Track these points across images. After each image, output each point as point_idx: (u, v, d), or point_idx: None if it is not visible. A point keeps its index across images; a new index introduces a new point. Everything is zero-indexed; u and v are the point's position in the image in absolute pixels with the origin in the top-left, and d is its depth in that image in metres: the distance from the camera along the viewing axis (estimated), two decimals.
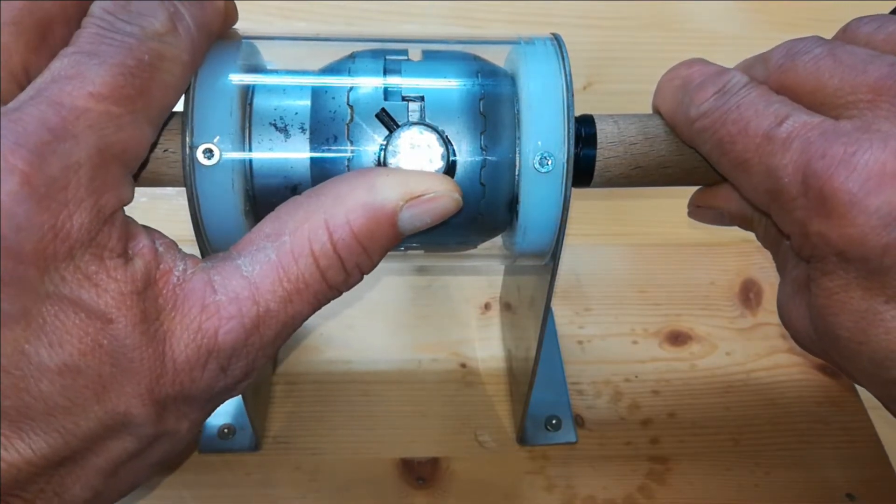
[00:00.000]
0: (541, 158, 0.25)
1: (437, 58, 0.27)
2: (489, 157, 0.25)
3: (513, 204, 0.26)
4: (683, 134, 0.26)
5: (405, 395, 0.42)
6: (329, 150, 0.25)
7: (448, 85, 0.26)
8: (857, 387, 0.43)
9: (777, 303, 0.27)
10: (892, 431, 0.41)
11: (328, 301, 0.23)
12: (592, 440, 0.40)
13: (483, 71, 0.27)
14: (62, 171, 0.18)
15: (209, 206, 0.25)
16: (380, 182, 0.22)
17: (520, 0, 0.58)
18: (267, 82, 0.26)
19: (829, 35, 0.25)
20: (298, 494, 0.37)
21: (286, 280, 0.22)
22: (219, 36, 0.25)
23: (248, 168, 0.25)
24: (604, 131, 0.27)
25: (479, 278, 0.47)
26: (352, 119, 0.25)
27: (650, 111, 0.28)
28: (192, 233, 0.26)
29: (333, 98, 0.26)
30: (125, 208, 0.21)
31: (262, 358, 0.22)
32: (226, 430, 0.39)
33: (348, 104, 0.25)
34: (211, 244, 0.27)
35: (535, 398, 0.39)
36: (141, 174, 0.26)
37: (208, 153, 0.24)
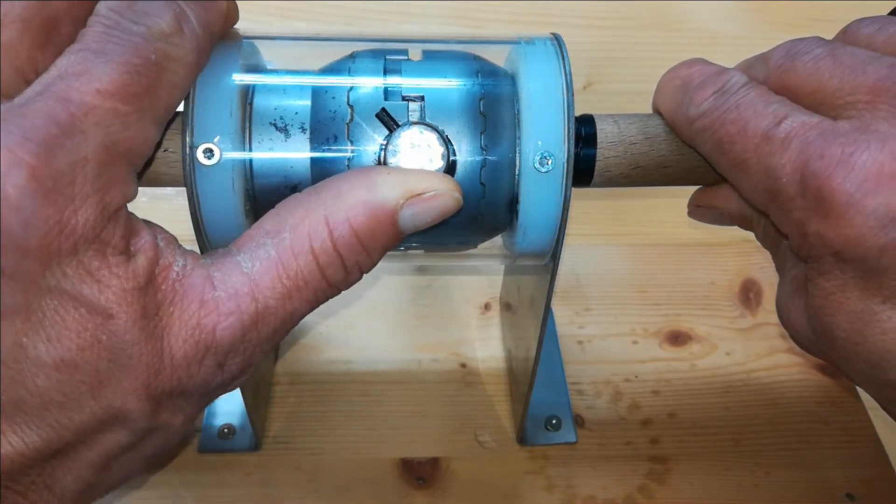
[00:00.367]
0: (541, 158, 0.25)
1: (437, 58, 0.27)
2: (489, 157, 0.25)
3: (513, 204, 0.26)
4: (683, 134, 0.26)
5: (405, 395, 0.42)
6: (329, 150, 0.25)
7: (448, 85, 0.26)
8: (857, 387, 0.43)
9: (776, 303, 0.27)
10: (892, 431, 0.41)
11: (327, 299, 0.23)
12: (592, 440, 0.40)
13: (483, 71, 0.27)
14: (69, 166, 0.18)
15: (209, 205, 0.25)
16: (380, 180, 0.22)
17: (520, 0, 0.58)
18: (267, 82, 0.26)
19: (829, 35, 0.25)
20: (298, 494, 0.37)
21: (285, 277, 0.22)
22: (220, 36, 0.25)
23: (248, 168, 0.25)
24: (604, 131, 0.27)
25: (479, 278, 0.47)
26: (352, 119, 0.25)
27: (650, 111, 0.28)
28: (193, 233, 0.26)
29: (333, 98, 0.26)
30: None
31: (259, 354, 0.22)
32: (226, 430, 0.39)
33: (348, 104, 0.25)
34: (211, 244, 0.27)
35: (535, 398, 0.39)
36: (141, 174, 0.26)
37: (208, 153, 0.24)
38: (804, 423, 0.41)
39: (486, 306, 0.46)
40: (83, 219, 0.19)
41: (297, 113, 0.26)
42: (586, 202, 0.51)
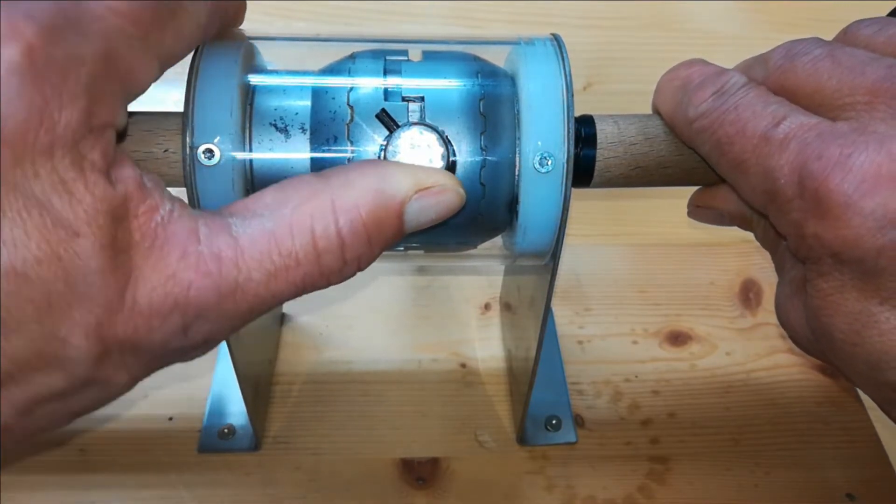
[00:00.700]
0: (541, 159, 0.25)
1: (437, 58, 0.27)
2: (489, 158, 0.25)
3: (513, 204, 0.26)
4: (682, 134, 0.26)
5: (405, 395, 0.42)
6: (329, 151, 0.25)
7: (448, 85, 0.26)
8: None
9: (775, 303, 0.27)
10: (892, 431, 0.41)
11: (314, 289, 0.22)
12: (592, 440, 0.40)
13: (483, 71, 0.27)
14: (66, 58, 0.17)
15: (210, 206, 0.25)
16: (391, 170, 0.22)
17: (520, 0, 0.58)
18: (267, 82, 0.26)
19: (828, 35, 0.25)
20: (298, 494, 0.37)
21: (276, 253, 0.20)
22: (227, 25, 0.25)
23: (248, 168, 0.25)
24: (604, 131, 0.27)
25: (479, 278, 0.47)
26: (352, 119, 0.25)
27: (650, 111, 0.28)
28: None
29: (333, 98, 0.26)
30: None
31: (227, 329, 0.21)
32: (226, 430, 0.39)
33: (348, 104, 0.25)
34: None
35: (535, 398, 0.39)
36: None
37: (209, 153, 0.24)
38: (804, 423, 0.41)
39: (486, 306, 0.46)
40: (66, 119, 0.17)
41: (297, 113, 0.26)
42: (586, 202, 0.51)
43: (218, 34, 0.25)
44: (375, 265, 0.24)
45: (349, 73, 0.26)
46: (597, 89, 0.56)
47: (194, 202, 0.25)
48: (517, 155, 0.26)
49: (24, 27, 0.17)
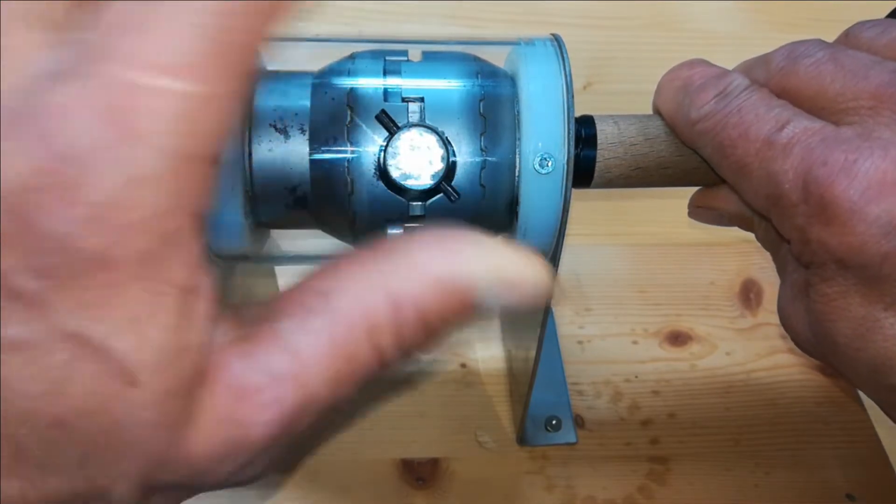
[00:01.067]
0: (541, 160, 0.25)
1: (436, 58, 0.27)
2: (489, 159, 0.25)
3: (513, 205, 0.26)
4: (684, 136, 0.26)
5: (405, 396, 0.42)
6: (328, 152, 0.25)
7: (448, 86, 0.26)
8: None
9: (777, 305, 0.27)
10: (892, 432, 0.41)
11: (375, 378, 0.19)
12: (592, 440, 0.40)
13: (483, 72, 0.27)
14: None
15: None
16: (462, 250, 0.18)
17: (520, 0, 0.58)
18: (266, 83, 0.26)
19: (829, 35, 0.25)
20: (298, 494, 0.37)
21: (338, 358, 0.17)
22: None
23: (247, 169, 0.25)
24: (604, 132, 0.27)
25: None
26: (351, 120, 0.25)
27: (650, 111, 0.28)
28: None
29: (333, 99, 0.25)
30: None
31: (290, 447, 0.18)
32: None
33: (348, 105, 0.25)
34: (211, 245, 0.27)
35: (535, 398, 0.39)
36: None
37: None
38: (804, 423, 0.41)
39: None
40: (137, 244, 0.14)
41: (296, 114, 0.25)
42: (586, 202, 0.51)
43: None
44: None
45: (349, 74, 0.26)
46: (597, 89, 0.56)
47: None
48: (517, 156, 0.26)
49: None
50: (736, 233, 0.30)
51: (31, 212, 0.13)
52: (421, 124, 0.25)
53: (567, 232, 0.26)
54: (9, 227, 0.13)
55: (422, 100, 0.26)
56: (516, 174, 0.26)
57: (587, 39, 0.57)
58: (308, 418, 0.17)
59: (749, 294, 0.47)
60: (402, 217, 0.26)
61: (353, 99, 0.25)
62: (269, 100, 0.26)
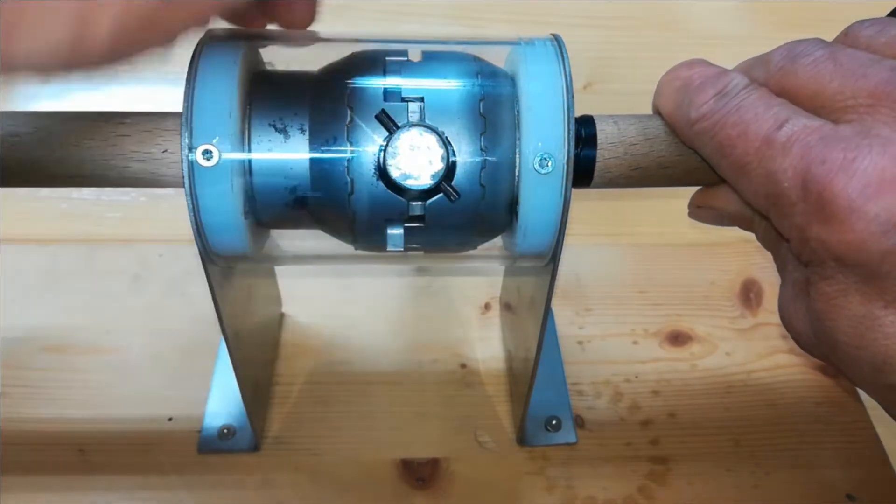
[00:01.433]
0: (541, 159, 0.25)
1: (436, 58, 0.27)
2: (489, 158, 0.25)
3: (513, 205, 0.26)
4: (683, 135, 0.26)
5: (405, 396, 0.42)
6: (328, 151, 0.25)
7: (448, 86, 0.26)
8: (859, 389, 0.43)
9: (778, 305, 0.27)
10: (892, 432, 0.41)
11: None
12: (592, 441, 0.40)
13: (483, 72, 0.27)
14: None
15: (209, 206, 0.25)
16: None
17: (520, 0, 0.58)
18: (267, 83, 0.26)
19: (829, 34, 0.25)
20: (298, 495, 0.37)
21: None
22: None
23: (247, 169, 0.25)
24: (604, 132, 0.27)
25: (479, 279, 0.47)
26: (351, 120, 0.25)
27: (650, 111, 0.28)
28: (192, 233, 0.26)
29: (333, 99, 0.25)
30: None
31: None
32: (225, 431, 0.39)
33: (348, 105, 0.25)
34: (210, 245, 0.27)
35: (535, 398, 0.39)
36: (140, 175, 0.26)
37: (207, 154, 0.24)
38: (804, 424, 0.41)
39: (486, 307, 0.46)
40: None
41: (296, 114, 0.25)
42: (586, 202, 0.51)
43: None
44: (375, 266, 0.24)
45: (349, 74, 0.26)
46: (597, 89, 0.56)
47: (193, 203, 0.25)
48: (517, 156, 0.26)
49: None
50: (736, 233, 0.30)
51: None
52: (421, 124, 0.25)
53: (567, 232, 0.26)
54: None
55: (422, 100, 0.26)
56: (516, 174, 0.26)
57: (587, 39, 0.57)
58: None
59: (749, 294, 0.47)
60: (402, 217, 0.26)
61: (352, 99, 0.25)
62: (268, 100, 0.26)
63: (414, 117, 0.25)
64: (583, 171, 0.27)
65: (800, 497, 0.38)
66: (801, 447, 0.40)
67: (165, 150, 0.25)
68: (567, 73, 0.26)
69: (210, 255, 0.27)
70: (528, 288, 0.35)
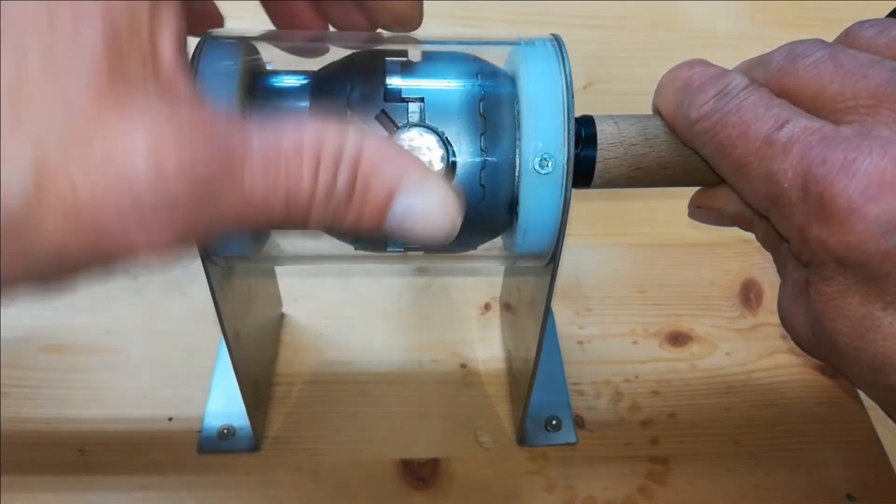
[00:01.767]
0: (541, 160, 0.25)
1: (436, 59, 0.27)
2: (489, 159, 0.25)
3: (513, 205, 0.26)
4: (683, 135, 0.26)
5: (405, 396, 0.42)
6: None
7: (448, 86, 0.26)
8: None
9: (778, 305, 0.27)
10: (892, 432, 0.41)
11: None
12: (592, 441, 0.40)
13: (483, 72, 0.27)
14: None
15: None
16: (407, 156, 0.21)
17: (520, 0, 0.58)
18: (267, 83, 0.26)
19: (829, 35, 0.25)
20: (298, 495, 0.37)
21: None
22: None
23: None
24: (604, 132, 0.27)
25: (479, 279, 0.47)
26: (351, 120, 0.25)
27: (650, 111, 0.28)
28: None
29: (333, 99, 0.25)
30: None
31: None
32: (225, 431, 0.39)
33: (348, 105, 0.25)
34: (211, 246, 0.27)
35: (535, 398, 0.39)
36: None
37: None
38: (804, 424, 0.41)
39: (486, 307, 0.46)
40: None
41: (296, 114, 0.25)
42: (586, 202, 0.51)
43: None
44: (376, 266, 0.24)
45: (349, 74, 0.26)
46: (597, 89, 0.56)
47: None
48: (517, 156, 0.26)
49: None
50: (736, 233, 0.30)
51: None
52: (421, 124, 0.25)
53: (567, 232, 0.26)
54: None
55: (422, 100, 0.26)
56: (516, 174, 0.26)
57: (587, 39, 0.57)
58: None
59: (749, 294, 0.47)
60: None
61: (352, 99, 0.25)
62: (268, 100, 0.26)
63: (414, 117, 0.25)
64: (583, 172, 0.27)
65: (800, 497, 0.38)
66: (801, 447, 0.40)
67: None
68: (567, 73, 0.26)
69: (210, 255, 0.27)
70: (528, 288, 0.35)
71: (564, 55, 0.26)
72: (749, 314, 0.46)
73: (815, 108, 0.23)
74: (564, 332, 0.45)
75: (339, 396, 0.41)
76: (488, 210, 0.26)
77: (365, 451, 0.39)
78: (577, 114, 0.26)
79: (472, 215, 0.26)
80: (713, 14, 0.60)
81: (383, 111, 0.25)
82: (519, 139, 0.26)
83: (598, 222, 0.51)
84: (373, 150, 0.20)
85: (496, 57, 0.28)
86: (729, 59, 0.27)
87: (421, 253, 0.29)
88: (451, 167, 0.25)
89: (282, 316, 0.45)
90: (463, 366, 0.43)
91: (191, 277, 0.46)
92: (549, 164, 0.25)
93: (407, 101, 0.26)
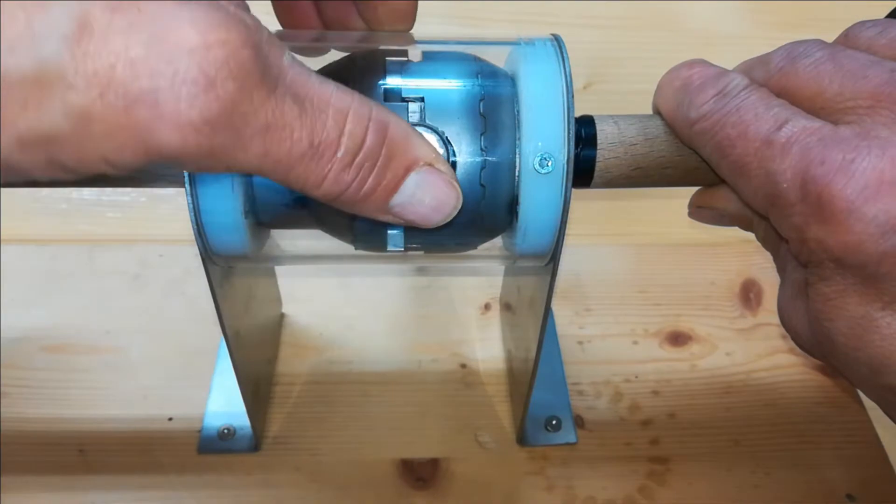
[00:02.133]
0: (541, 159, 0.25)
1: (437, 58, 0.27)
2: (489, 158, 0.25)
3: (513, 205, 0.26)
4: (683, 135, 0.26)
5: (405, 396, 0.42)
6: None
7: (448, 86, 0.26)
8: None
9: (777, 305, 0.27)
10: (892, 432, 0.41)
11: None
12: (592, 441, 0.40)
13: (483, 72, 0.27)
14: None
15: (209, 206, 0.25)
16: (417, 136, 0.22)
17: (520, 0, 0.58)
18: None
19: (829, 35, 0.25)
20: (298, 495, 0.37)
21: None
22: None
23: None
24: (604, 132, 0.27)
25: (479, 279, 0.47)
26: None
27: (650, 111, 0.28)
28: (192, 233, 0.26)
29: None
30: None
31: None
32: (226, 431, 0.39)
33: None
34: (211, 245, 0.27)
35: (535, 398, 0.39)
36: (141, 175, 0.26)
37: None
38: (804, 424, 0.41)
39: (486, 307, 0.46)
40: None
41: None
42: (586, 202, 0.51)
43: None
44: (375, 265, 0.24)
45: (348, 74, 0.26)
46: (597, 89, 0.56)
47: (194, 203, 0.25)
48: (517, 156, 0.26)
49: None
50: (736, 233, 0.30)
51: None
52: (421, 124, 0.25)
53: (567, 232, 0.26)
54: None
55: (422, 100, 0.26)
56: (516, 174, 0.26)
57: (587, 39, 0.57)
58: None
59: (749, 294, 0.47)
60: None
61: None
62: None
63: (414, 117, 0.25)
64: (583, 171, 0.27)
65: (800, 497, 0.38)
66: (801, 447, 0.40)
67: None
68: (567, 72, 0.26)
69: (210, 255, 0.27)
70: (528, 288, 0.35)
71: (564, 55, 0.26)
72: (749, 314, 0.46)
73: (814, 109, 0.23)
74: (564, 332, 0.45)
75: (340, 396, 0.41)
76: (488, 210, 0.26)
77: (365, 451, 0.39)
78: (577, 114, 0.26)
79: (472, 215, 0.26)
80: (713, 14, 0.60)
81: None
82: (519, 139, 0.26)
83: (598, 222, 0.51)
84: (397, 120, 0.21)
85: (496, 57, 0.28)
86: (729, 59, 0.27)
87: (421, 253, 0.29)
88: (451, 167, 0.25)
89: (282, 316, 0.45)
90: (463, 366, 0.43)
91: (191, 277, 0.46)
92: (549, 164, 0.25)
93: (407, 101, 0.26)
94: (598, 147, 0.27)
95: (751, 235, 0.29)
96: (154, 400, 0.41)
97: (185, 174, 0.24)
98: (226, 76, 0.17)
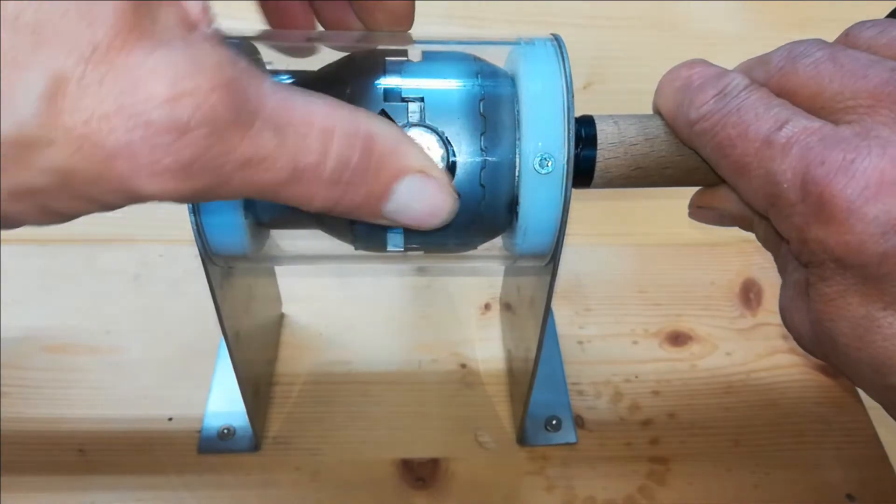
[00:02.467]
0: (541, 159, 0.25)
1: (436, 58, 0.27)
2: (489, 159, 0.25)
3: (513, 205, 0.26)
4: (683, 135, 0.26)
5: (405, 396, 0.42)
6: None
7: (448, 86, 0.26)
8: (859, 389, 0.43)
9: (779, 305, 0.27)
10: (892, 432, 0.41)
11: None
12: (592, 441, 0.40)
13: (483, 72, 0.27)
14: None
15: (209, 206, 0.25)
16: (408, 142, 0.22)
17: (520, 0, 0.58)
18: None
19: (829, 35, 0.25)
20: (298, 495, 0.37)
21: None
22: None
23: None
24: (604, 132, 0.27)
25: (479, 279, 0.47)
26: None
27: (650, 111, 0.28)
28: (192, 233, 0.26)
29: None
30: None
31: None
32: (225, 431, 0.39)
33: None
34: (211, 246, 0.27)
35: (535, 398, 0.39)
36: None
37: None
38: (804, 424, 0.41)
39: (486, 307, 0.46)
40: None
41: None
42: (586, 202, 0.51)
43: None
44: (375, 265, 0.24)
45: (348, 74, 0.26)
46: (597, 89, 0.56)
47: (193, 205, 0.25)
48: (517, 156, 0.25)
49: None
50: (736, 233, 0.30)
51: None
52: (421, 124, 0.25)
53: (567, 232, 0.26)
54: None
55: (422, 100, 0.26)
56: (516, 174, 0.26)
57: (587, 39, 0.57)
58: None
59: (749, 294, 0.47)
60: None
61: (352, 99, 0.25)
62: None
63: (414, 117, 0.25)
64: (583, 171, 0.27)
65: (800, 497, 0.38)
66: (801, 447, 0.40)
67: None
68: (567, 72, 0.26)
69: (210, 256, 0.27)
70: (528, 288, 0.35)
71: (564, 55, 0.26)
72: (749, 314, 0.46)
73: (814, 109, 0.23)
74: (564, 332, 0.45)
75: (339, 396, 0.41)
76: (488, 210, 0.26)
77: (365, 451, 0.39)
78: (577, 114, 0.26)
79: (472, 215, 0.26)
80: (713, 14, 0.60)
81: (383, 111, 0.25)
82: (519, 139, 0.26)
83: (598, 222, 0.51)
84: (386, 130, 0.21)
85: (496, 57, 0.28)
86: (729, 59, 0.27)
87: (421, 253, 0.29)
88: (450, 167, 0.25)
89: (282, 316, 0.45)
90: (463, 366, 0.43)
91: (191, 277, 0.46)
92: (549, 164, 0.25)
93: (407, 101, 0.26)
94: (598, 147, 0.27)
95: (751, 235, 0.29)
96: (154, 400, 0.41)
97: None
98: (198, 122, 0.17)
